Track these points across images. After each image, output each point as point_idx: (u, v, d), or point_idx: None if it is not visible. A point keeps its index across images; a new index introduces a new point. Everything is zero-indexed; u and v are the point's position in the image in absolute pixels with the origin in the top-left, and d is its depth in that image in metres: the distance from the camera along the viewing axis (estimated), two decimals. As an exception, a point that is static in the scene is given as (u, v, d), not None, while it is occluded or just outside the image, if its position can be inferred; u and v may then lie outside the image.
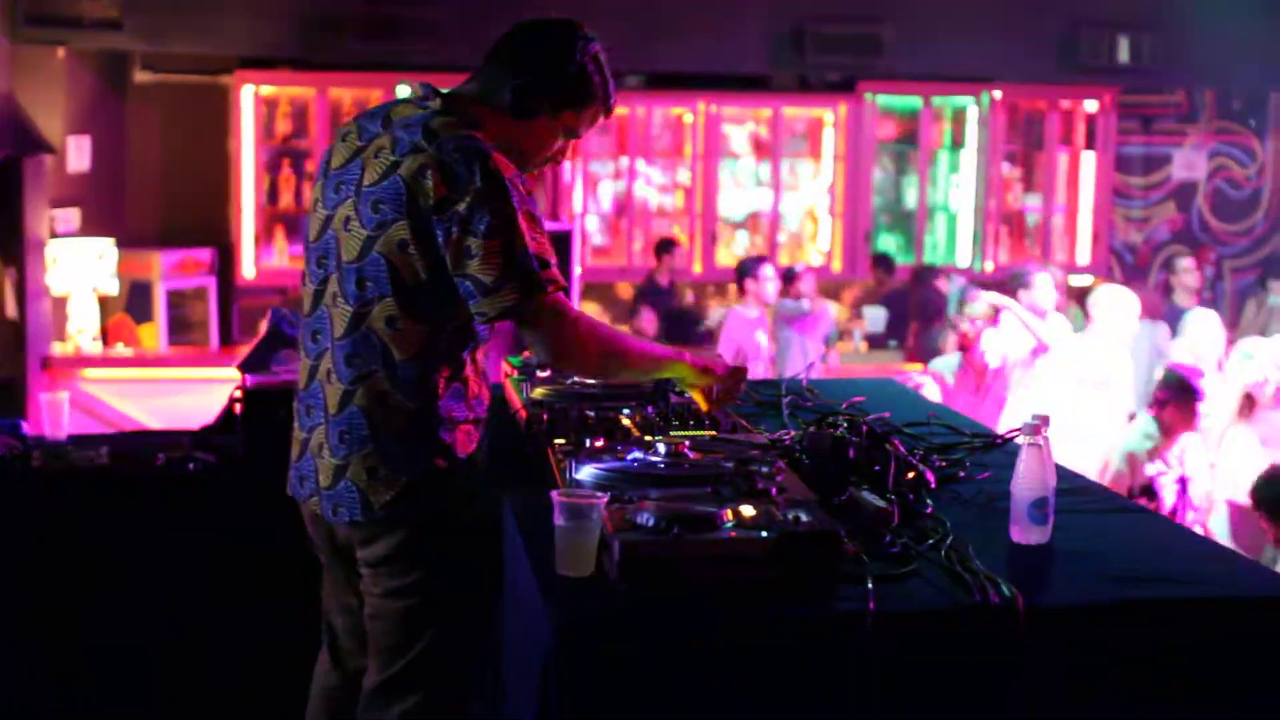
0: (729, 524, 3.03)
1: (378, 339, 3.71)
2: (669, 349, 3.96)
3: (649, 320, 12.58)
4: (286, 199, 13.11)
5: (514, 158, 3.73)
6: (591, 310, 13.05)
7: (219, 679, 5.54)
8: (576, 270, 9.13)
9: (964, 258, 14.46)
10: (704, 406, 4.00)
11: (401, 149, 3.68)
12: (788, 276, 12.24)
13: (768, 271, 11.52)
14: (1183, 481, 7.81)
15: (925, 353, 12.08)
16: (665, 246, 13.49)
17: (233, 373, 5.57)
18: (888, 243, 14.63)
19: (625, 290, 14.13)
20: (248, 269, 12.97)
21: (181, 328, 12.77)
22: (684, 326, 12.69)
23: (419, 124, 3.71)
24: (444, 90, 3.85)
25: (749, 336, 11.32)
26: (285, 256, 13.08)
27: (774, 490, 3.28)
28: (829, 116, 14.29)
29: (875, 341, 13.54)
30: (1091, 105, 14.72)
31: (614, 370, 3.88)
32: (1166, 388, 7.95)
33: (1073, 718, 3.05)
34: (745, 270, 11.66)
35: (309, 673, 4.28)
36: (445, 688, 3.89)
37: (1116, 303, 9.26)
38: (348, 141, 3.85)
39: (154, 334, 12.47)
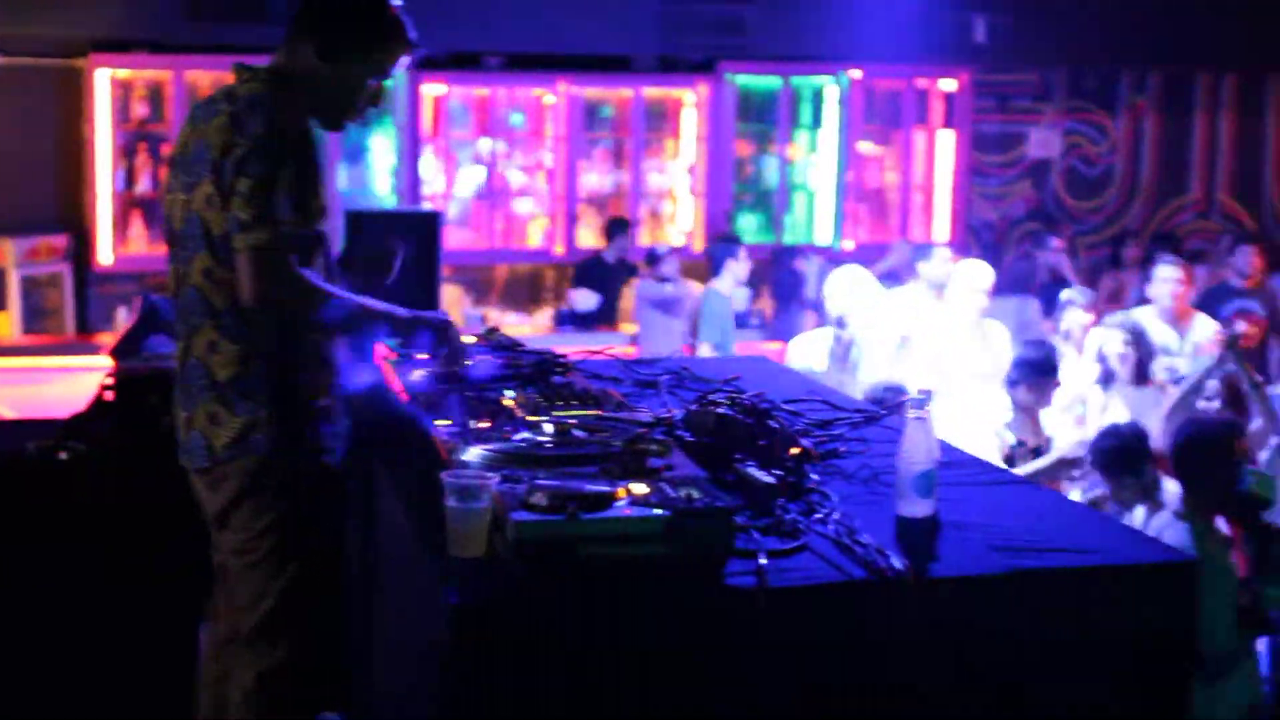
0: (623, 502, 3.03)
1: (198, 292, 3.99)
2: (393, 308, 4.09)
3: (584, 298, 12.60)
4: (143, 184, 12.91)
5: (333, 105, 4.12)
6: (454, 293, 12.99)
7: (97, 667, 5.46)
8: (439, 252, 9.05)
9: (824, 236, 14.56)
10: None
11: (210, 116, 3.95)
12: (651, 258, 12.26)
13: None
14: (1037, 454, 7.91)
15: (785, 332, 12.14)
16: (619, 226, 13.46)
17: (93, 360, 5.50)
18: (748, 222, 14.69)
19: (502, 272, 14.12)
20: (104, 255, 12.76)
21: (37, 315, 12.55)
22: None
23: (226, 92, 4.00)
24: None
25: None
26: (143, 242, 12.88)
27: (664, 468, 3.28)
28: (689, 97, 14.32)
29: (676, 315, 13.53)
30: (948, 85, 14.88)
31: (327, 315, 3.97)
32: (1021, 366, 8.04)
33: (963, 687, 3.09)
34: (725, 252, 11.60)
35: (189, 654, 4.28)
36: (296, 641, 4.02)
37: (973, 278, 9.31)
38: (189, 125, 4.07)
39: (8, 322, 12.25)
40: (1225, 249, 13.04)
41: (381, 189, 13.63)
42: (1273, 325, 10.76)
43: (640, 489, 3.10)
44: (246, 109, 3.90)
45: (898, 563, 3.05)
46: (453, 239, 13.55)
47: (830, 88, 14.59)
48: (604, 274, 13.12)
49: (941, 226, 15.02)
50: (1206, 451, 6.02)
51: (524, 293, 14.25)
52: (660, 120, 14.55)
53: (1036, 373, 7.92)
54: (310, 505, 4.02)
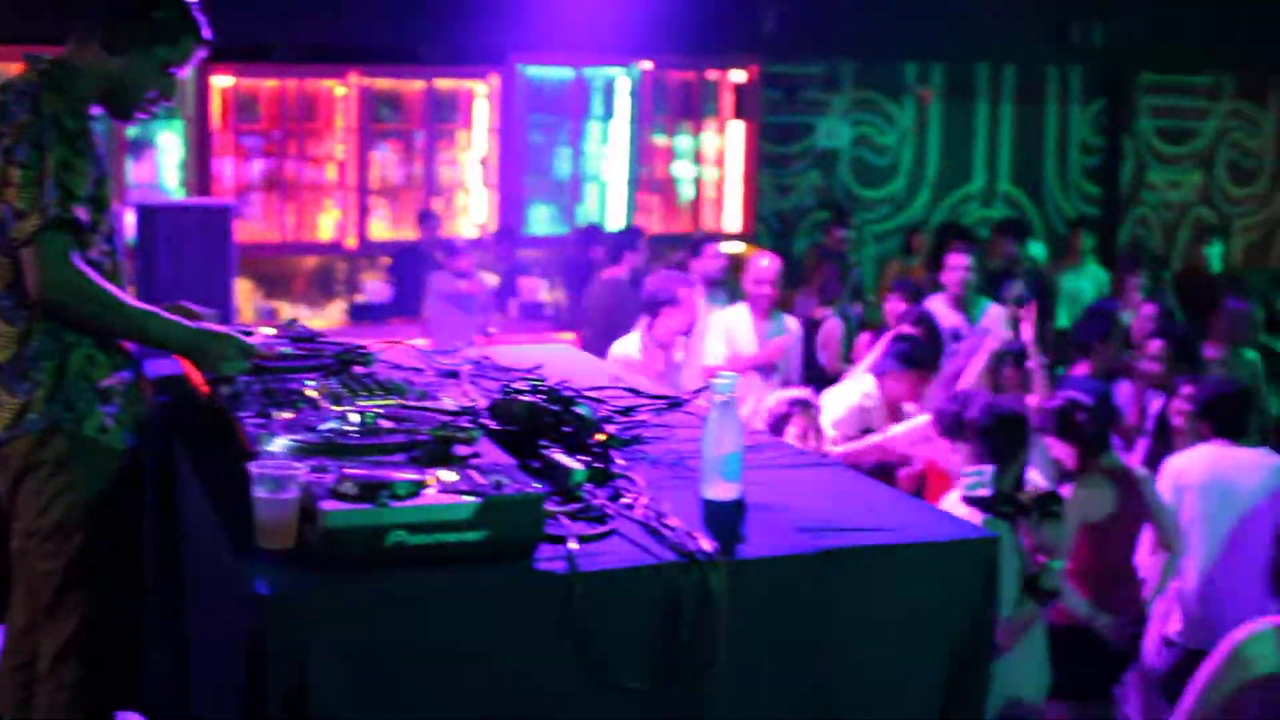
0: (432, 490, 3.03)
1: None
2: (163, 313, 4.08)
3: (378, 288, 12.52)
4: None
5: (121, 97, 4.12)
6: (245, 286, 12.84)
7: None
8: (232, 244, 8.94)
9: (616, 226, 14.63)
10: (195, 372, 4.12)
11: None
12: (447, 250, 12.22)
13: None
14: None
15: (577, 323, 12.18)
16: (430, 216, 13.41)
17: None
18: (540, 213, 14.71)
19: (294, 264, 13.97)
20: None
21: None
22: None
23: (4, 83, 3.99)
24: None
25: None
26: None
27: (472, 456, 3.29)
28: (481, 88, 14.30)
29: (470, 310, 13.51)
30: (738, 76, 15.03)
31: (101, 319, 3.97)
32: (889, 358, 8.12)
33: (773, 666, 3.13)
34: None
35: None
36: (90, 612, 4.04)
37: (760, 270, 9.39)
38: None
39: None
40: (1000, 237, 13.41)
41: (171, 183, 13.41)
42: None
43: (449, 476, 3.10)
44: (15, 98, 3.90)
45: (706, 545, 3.09)
46: (244, 232, 13.37)
47: (622, 79, 14.66)
48: (418, 264, 13.04)
49: (732, 217, 15.17)
50: (1002, 432, 6.15)
51: (316, 285, 14.12)
52: (452, 111, 14.50)
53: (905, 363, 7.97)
54: (93, 483, 4.02)
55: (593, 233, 13.20)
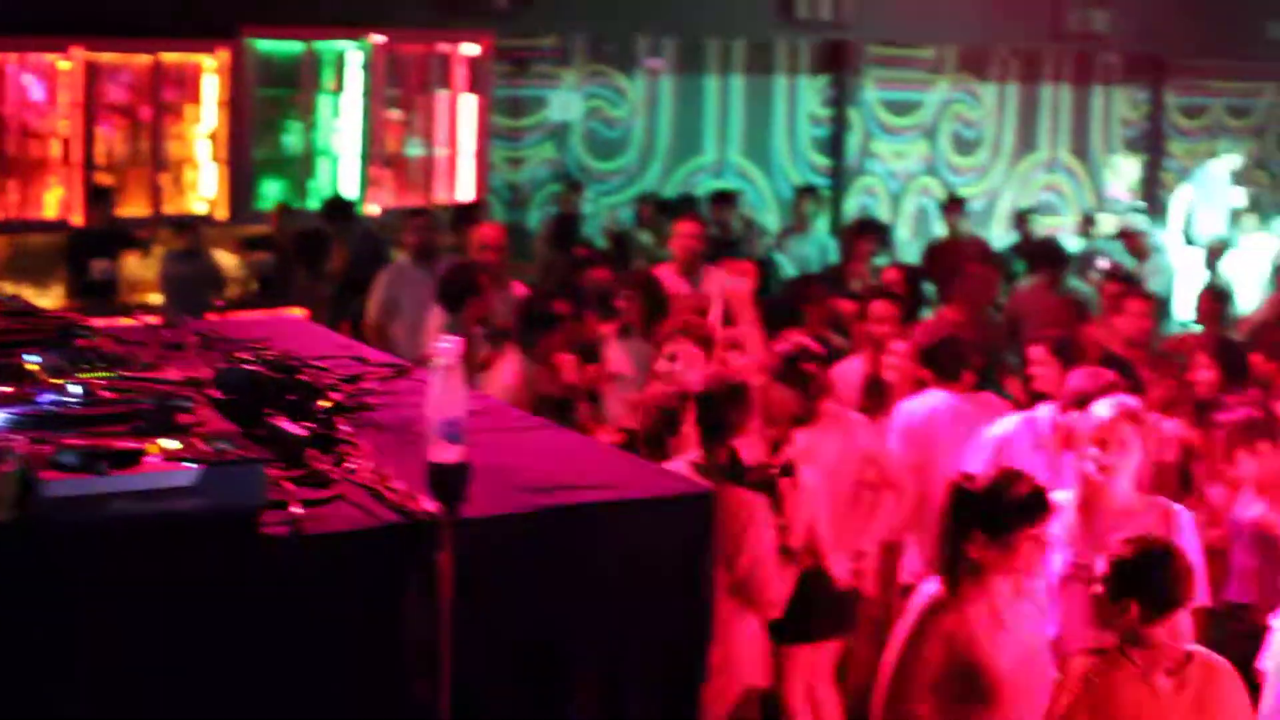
0: (154, 459, 3.03)
1: None
2: None
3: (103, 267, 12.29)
4: None
5: None
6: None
7: None
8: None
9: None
10: None
11: None
12: (180, 226, 12.08)
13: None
14: None
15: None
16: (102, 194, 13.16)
17: None
18: (271, 188, 14.56)
19: (16, 242, 13.63)
20: None
21: None
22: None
23: None
24: None
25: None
26: None
27: (195, 425, 3.30)
28: (209, 62, 14.08)
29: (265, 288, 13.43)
30: (470, 49, 15.03)
31: None
32: None
33: (498, 624, 3.20)
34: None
35: None
36: None
37: (483, 240, 9.49)
38: None
39: None
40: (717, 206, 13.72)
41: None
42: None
43: (171, 445, 3.11)
44: None
45: (429, 506, 3.14)
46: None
47: (353, 52, 14.57)
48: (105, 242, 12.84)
49: (465, 189, 15.18)
50: (722, 401, 6.25)
51: (41, 263, 13.78)
52: (180, 85, 14.26)
53: None
54: None
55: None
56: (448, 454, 3.47)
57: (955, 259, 12.04)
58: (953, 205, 14.72)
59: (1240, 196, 18.35)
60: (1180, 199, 18.12)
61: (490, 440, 3.73)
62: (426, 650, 3.09)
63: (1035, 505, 5.20)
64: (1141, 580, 4.97)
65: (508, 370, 7.66)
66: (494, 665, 3.21)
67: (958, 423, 7.47)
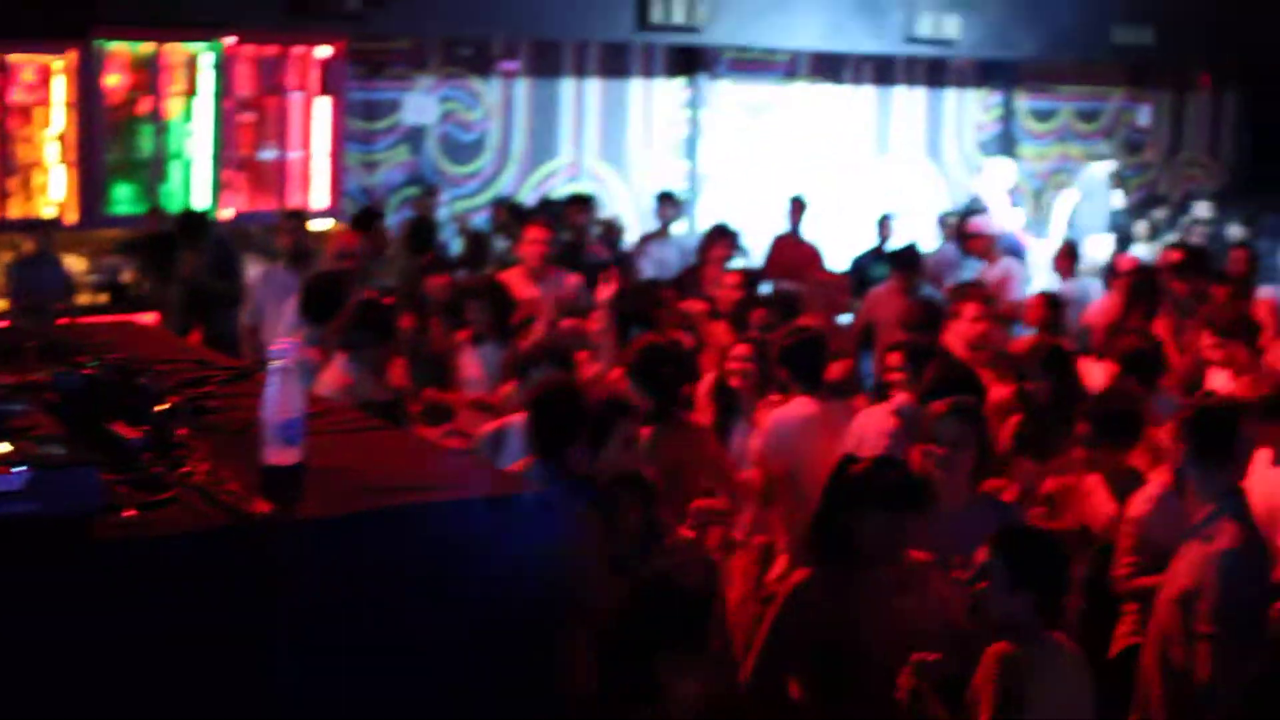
0: (-17, 462, 3.01)
1: None
2: None
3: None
4: None
5: None
6: None
7: None
8: None
9: (201, 205, 14.42)
10: None
11: None
12: (29, 230, 11.93)
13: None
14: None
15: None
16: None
17: None
18: (123, 192, 14.40)
19: None
20: None
21: None
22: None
23: None
24: None
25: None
26: None
27: (29, 428, 3.28)
28: (58, 63, 13.90)
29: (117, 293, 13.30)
30: (324, 51, 14.96)
31: None
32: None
33: (338, 624, 3.21)
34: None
35: None
36: None
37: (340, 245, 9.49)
38: None
39: None
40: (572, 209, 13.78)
41: None
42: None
43: (3, 448, 3.09)
44: None
45: (264, 508, 3.15)
46: None
47: (205, 55, 14.44)
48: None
49: (320, 194, 15.10)
50: (557, 406, 6.21)
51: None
52: (27, 87, 14.05)
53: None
54: None
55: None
56: (283, 456, 3.48)
57: (796, 261, 12.20)
58: (796, 207, 14.75)
59: (1120, 199, 18.71)
60: (1064, 202, 18.45)
61: (331, 441, 3.74)
62: (261, 651, 3.10)
63: (910, 490, 5.39)
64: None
65: (332, 373, 7.58)
66: (329, 665, 3.21)
67: (825, 427, 7.54)
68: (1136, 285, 10.70)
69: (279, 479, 3.40)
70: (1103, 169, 19.01)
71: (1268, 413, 7.14)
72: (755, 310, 9.25)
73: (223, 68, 14.42)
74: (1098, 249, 14.51)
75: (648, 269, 13.11)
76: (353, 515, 3.26)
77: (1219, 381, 8.37)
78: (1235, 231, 15.45)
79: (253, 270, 11.88)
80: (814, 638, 5.37)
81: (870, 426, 7.45)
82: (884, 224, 14.90)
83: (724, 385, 8.06)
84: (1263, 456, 6.95)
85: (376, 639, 3.28)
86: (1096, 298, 12.06)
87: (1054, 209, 18.61)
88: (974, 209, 16.04)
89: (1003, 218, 13.86)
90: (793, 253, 13.26)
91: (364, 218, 12.71)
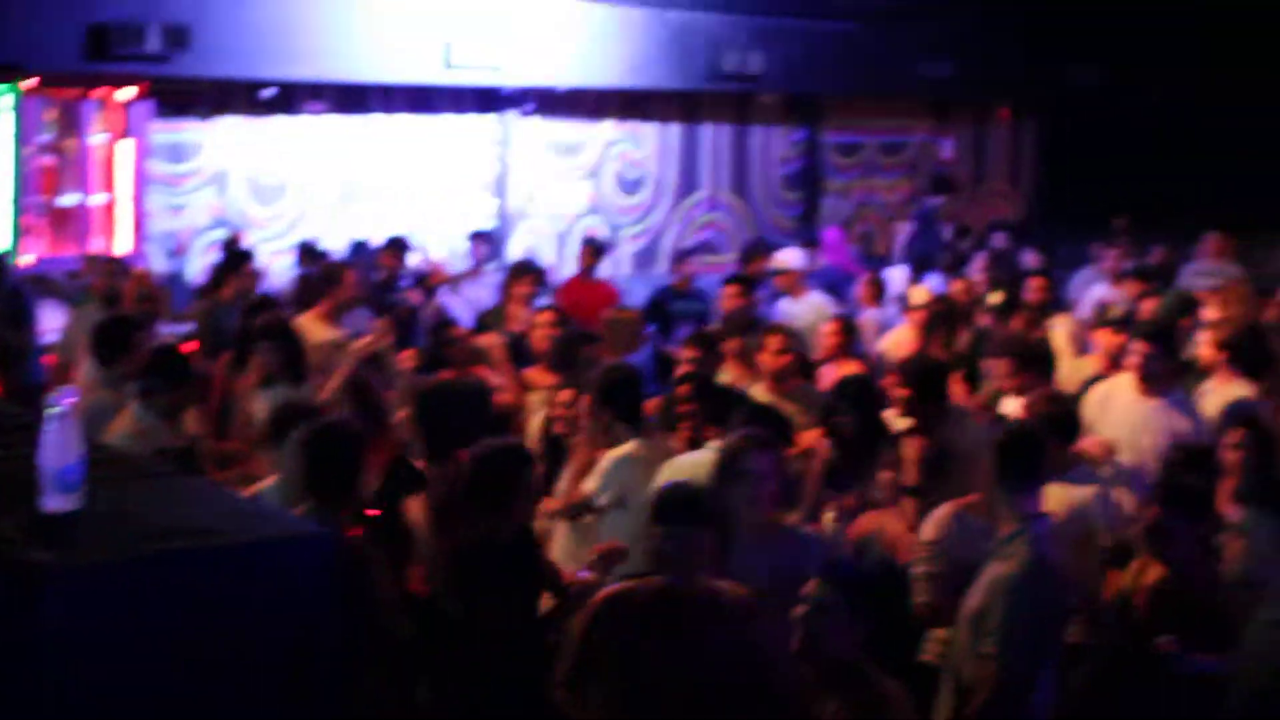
0: None
1: None
2: None
3: None
4: None
5: None
6: None
7: None
8: None
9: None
10: None
11: None
12: None
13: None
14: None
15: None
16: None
17: None
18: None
19: None
20: None
21: None
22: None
23: None
24: None
25: None
26: None
27: None
28: None
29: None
30: (126, 94, 14.79)
31: None
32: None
33: (111, 668, 3.21)
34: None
35: None
36: None
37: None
38: None
39: None
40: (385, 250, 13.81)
41: None
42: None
43: None
44: None
45: (38, 555, 3.14)
46: None
47: (3, 98, 14.20)
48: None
49: (124, 238, 14.91)
50: (334, 449, 6.18)
51: None
52: None
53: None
54: None
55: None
56: (59, 502, 3.48)
57: (586, 303, 12.31)
58: (587, 250, 14.65)
59: (948, 231, 19.06)
60: (900, 235, 18.79)
61: (116, 489, 3.73)
62: (33, 697, 3.09)
63: (697, 503, 5.66)
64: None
65: (124, 419, 7.50)
66: (107, 711, 3.21)
67: (650, 466, 7.60)
68: (934, 316, 10.89)
69: (53, 525, 3.40)
70: (936, 202, 19.44)
71: (1054, 433, 7.38)
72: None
73: (21, 111, 14.18)
74: (899, 280, 14.72)
75: (460, 308, 13.13)
76: (130, 560, 3.26)
77: (1011, 408, 8.55)
78: (1031, 260, 15.77)
79: (59, 316, 11.72)
80: (614, 654, 5.44)
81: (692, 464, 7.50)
82: (681, 260, 14.91)
83: (549, 430, 8.14)
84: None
85: (152, 680, 3.28)
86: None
87: (885, 241, 18.96)
88: (764, 245, 16.12)
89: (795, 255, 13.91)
90: (580, 294, 13.28)
91: (233, 259, 12.57)
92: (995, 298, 12.03)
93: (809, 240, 16.88)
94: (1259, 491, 5.38)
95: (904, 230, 19.11)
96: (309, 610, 3.46)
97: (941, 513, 6.85)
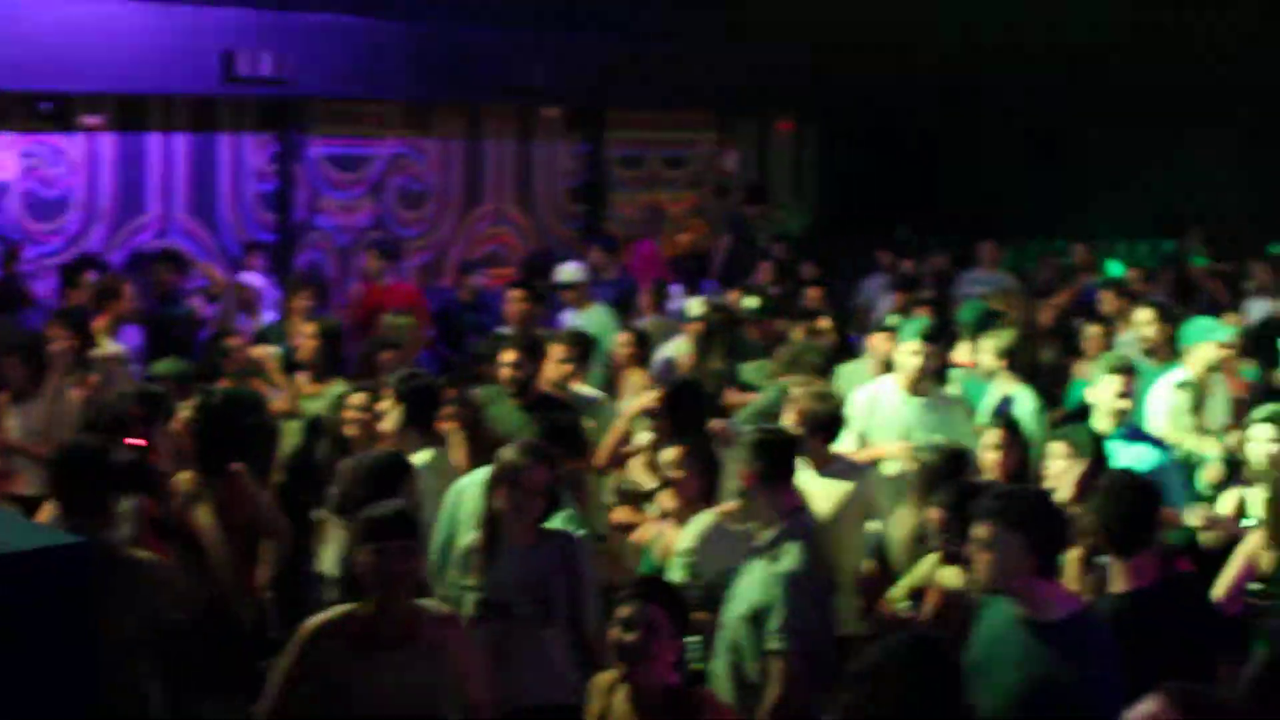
0: None
1: None
2: None
3: None
4: None
5: None
6: None
7: None
8: None
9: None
10: None
11: None
12: None
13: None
14: None
15: None
16: None
17: None
18: None
19: None
20: None
21: None
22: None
23: None
24: None
25: None
26: None
27: None
28: None
29: None
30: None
31: None
32: None
33: None
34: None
35: None
36: None
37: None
38: None
39: None
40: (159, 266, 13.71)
41: None
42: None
43: None
44: None
45: None
46: None
47: None
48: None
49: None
50: (83, 465, 6.15)
51: None
52: None
53: None
54: None
55: None
56: None
57: (373, 310, 12.37)
58: (373, 252, 14.63)
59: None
60: (719, 246, 18.98)
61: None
62: None
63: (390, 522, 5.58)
64: None
65: None
66: None
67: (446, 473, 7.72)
68: (710, 327, 11.05)
69: None
70: (753, 213, 19.65)
71: (818, 430, 7.65)
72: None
73: None
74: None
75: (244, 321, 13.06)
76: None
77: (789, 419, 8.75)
78: (809, 271, 16.01)
79: None
80: (316, 682, 5.37)
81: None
82: (467, 273, 14.99)
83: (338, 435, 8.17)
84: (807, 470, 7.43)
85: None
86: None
87: (673, 251, 19.13)
88: (547, 258, 16.20)
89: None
90: (382, 298, 13.28)
91: (75, 268, 12.32)
92: (751, 302, 12.29)
93: (609, 247, 16.78)
94: (1002, 506, 5.44)
95: (723, 242, 19.19)
96: (64, 619, 3.48)
97: (700, 522, 7.02)
